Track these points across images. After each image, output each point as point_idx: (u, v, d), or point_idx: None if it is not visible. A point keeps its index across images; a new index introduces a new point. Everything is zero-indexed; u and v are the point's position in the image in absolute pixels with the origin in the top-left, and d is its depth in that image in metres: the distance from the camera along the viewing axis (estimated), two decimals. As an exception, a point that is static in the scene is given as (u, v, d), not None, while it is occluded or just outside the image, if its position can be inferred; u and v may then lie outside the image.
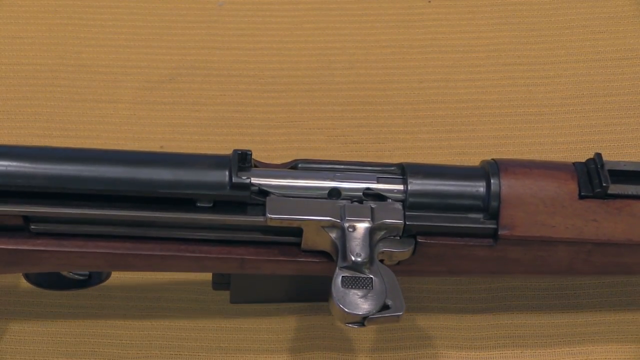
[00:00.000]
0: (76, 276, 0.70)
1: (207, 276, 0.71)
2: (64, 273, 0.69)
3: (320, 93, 0.90)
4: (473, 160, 0.83)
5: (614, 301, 0.76)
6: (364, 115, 0.89)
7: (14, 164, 0.60)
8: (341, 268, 0.59)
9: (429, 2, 0.97)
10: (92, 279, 0.70)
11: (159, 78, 0.91)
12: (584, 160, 0.65)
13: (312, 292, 0.72)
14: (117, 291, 0.76)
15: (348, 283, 0.59)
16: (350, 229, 0.61)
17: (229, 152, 0.63)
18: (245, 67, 0.92)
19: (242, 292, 0.71)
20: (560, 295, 0.76)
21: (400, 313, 0.58)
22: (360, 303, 0.58)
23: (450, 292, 0.76)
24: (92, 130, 0.86)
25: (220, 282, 0.70)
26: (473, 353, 0.73)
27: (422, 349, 0.73)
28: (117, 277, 0.74)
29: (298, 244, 0.63)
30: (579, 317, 0.75)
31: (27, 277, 0.69)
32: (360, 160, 0.83)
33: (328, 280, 0.60)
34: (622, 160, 0.65)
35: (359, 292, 0.58)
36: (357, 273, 0.59)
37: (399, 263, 0.63)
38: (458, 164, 0.83)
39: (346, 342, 0.74)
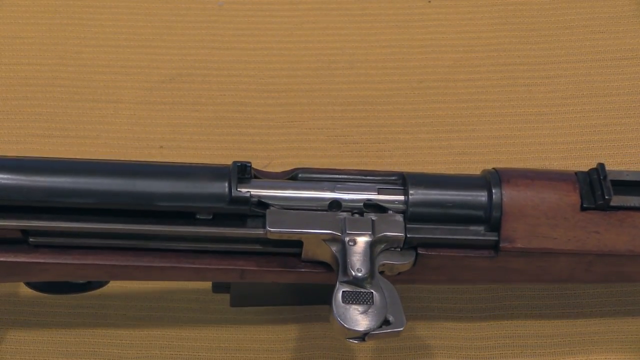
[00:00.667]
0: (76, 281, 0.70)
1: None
2: (65, 278, 0.69)
3: (320, 93, 0.90)
4: (473, 160, 0.84)
5: (614, 302, 0.76)
6: (364, 115, 0.89)
7: (12, 177, 0.59)
8: (342, 283, 0.59)
9: (429, 2, 0.97)
10: (92, 284, 0.70)
11: (159, 78, 0.91)
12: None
13: (312, 297, 0.72)
14: (118, 292, 0.76)
15: (349, 298, 0.58)
16: (350, 243, 0.60)
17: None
18: (245, 67, 0.92)
19: (242, 296, 0.71)
20: (560, 296, 0.76)
21: (401, 329, 0.58)
22: (361, 319, 0.58)
23: (450, 293, 0.76)
24: (92, 130, 0.86)
25: (220, 286, 0.70)
26: (473, 353, 0.73)
27: (422, 349, 0.73)
28: (117, 284, 0.74)
29: (298, 255, 0.63)
30: (580, 318, 0.75)
31: (27, 282, 0.69)
32: (360, 160, 0.84)
33: (327, 286, 0.60)
34: (625, 169, 0.65)
35: (360, 308, 0.58)
36: (357, 288, 0.59)
37: (399, 274, 0.63)
38: (458, 164, 0.83)
39: (345, 342, 0.74)
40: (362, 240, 0.60)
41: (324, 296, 0.61)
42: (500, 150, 0.86)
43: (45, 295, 0.73)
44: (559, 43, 0.94)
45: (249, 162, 0.61)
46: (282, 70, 0.92)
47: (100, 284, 0.70)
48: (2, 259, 0.62)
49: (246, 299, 0.72)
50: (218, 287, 0.70)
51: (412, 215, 0.62)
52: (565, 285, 0.76)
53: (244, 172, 0.61)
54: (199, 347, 0.73)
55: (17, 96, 0.89)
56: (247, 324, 0.75)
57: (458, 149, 0.86)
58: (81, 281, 0.69)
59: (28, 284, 0.69)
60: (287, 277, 0.64)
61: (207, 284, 0.71)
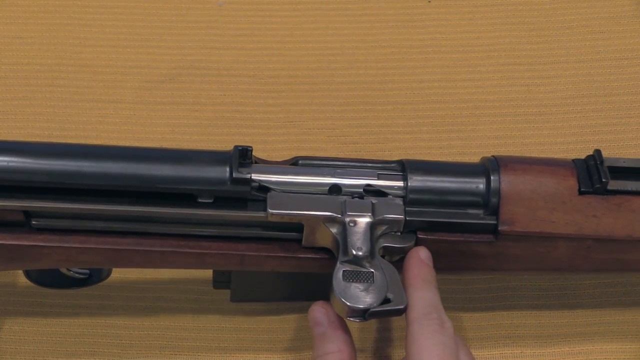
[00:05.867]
0: (76, 274, 0.70)
1: (208, 275, 0.71)
2: (64, 271, 0.69)
3: (320, 93, 0.90)
4: (473, 160, 0.83)
5: (614, 301, 0.76)
6: (364, 115, 0.89)
7: (15, 159, 0.60)
8: (342, 262, 0.60)
9: (429, 2, 0.97)
10: (92, 277, 0.71)
11: (159, 78, 0.91)
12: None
13: (313, 291, 0.71)
14: (117, 291, 0.76)
15: (349, 277, 0.59)
16: (351, 224, 0.61)
17: (230, 148, 0.63)
18: (245, 67, 0.92)
19: (242, 290, 0.71)
20: (560, 295, 0.76)
21: (402, 306, 0.59)
22: (362, 296, 0.58)
23: (449, 292, 0.76)
24: (92, 130, 0.86)
25: (221, 280, 0.70)
26: (473, 352, 0.73)
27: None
28: (117, 276, 0.74)
29: (299, 240, 0.63)
30: (579, 317, 0.75)
31: (28, 274, 0.69)
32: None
33: (328, 279, 0.60)
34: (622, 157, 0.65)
35: (360, 286, 0.59)
36: (358, 267, 0.59)
37: (400, 259, 0.63)
38: (458, 161, 0.83)
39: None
40: (362, 221, 0.61)
41: (324, 291, 0.61)
42: (500, 150, 0.86)
43: (44, 293, 0.73)
44: (559, 43, 0.94)
45: (250, 147, 0.61)
46: (282, 70, 0.92)
47: (100, 277, 0.71)
48: (3, 242, 0.62)
49: (246, 294, 0.72)
50: (219, 282, 0.70)
51: (411, 200, 0.63)
52: (564, 275, 0.76)
53: (244, 157, 0.61)
54: (199, 347, 0.73)
55: (17, 96, 0.89)
56: (247, 324, 0.75)
57: (458, 149, 0.86)
58: (82, 271, 0.70)
59: (28, 276, 0.69)
60: (288, 264, 0.64)
61: (208, 282, 0.71)
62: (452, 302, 0.76)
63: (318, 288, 0.67)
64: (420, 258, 0.62)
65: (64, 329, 0.74)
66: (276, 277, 0.70)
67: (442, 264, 0.64)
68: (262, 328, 0.74)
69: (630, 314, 0.76)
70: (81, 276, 0.70)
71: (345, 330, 0.63)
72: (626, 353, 0.73)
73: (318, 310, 0.63)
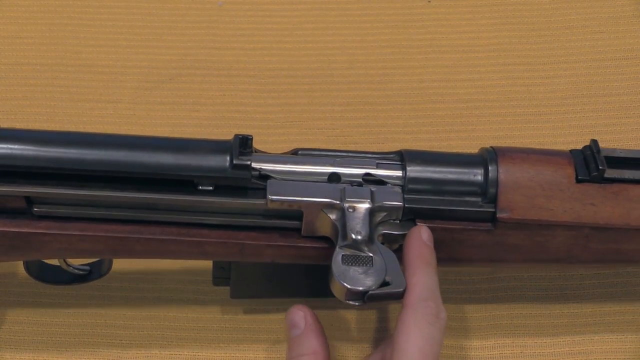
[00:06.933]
0: (77, 270, 0.70)
1: (207, 273, 0.71)
2: (65, 267, 0.69)
3: (320, 93, 0.90)
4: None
5: (615, 301, 0.76)
6: (364, 115, 0.89)
7: (18, 146, 0.60)
8: (341, 247, 0.60)
9: (429, 2, 0.97)
10: (92, 273, 0.71)
11: (159, 78, 0.91)
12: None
13: (312, 287, 0.72)
14: (117, 290, 0.76)
15: (348, 260, 0.59)
16: (350, 209, 0.61)
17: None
18: (245, 67, 0.92)
19: (242, 286, 0.71)
20: (560, 295, 0.76)
21: (401, 289, 0.59)
22: (361, 279, 0.58)
23: (450, 291, 0.76)
24: (92, 130, 0.86)
25: (221, 276, 0.70)
26: (473, 351, 0.73)
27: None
28: (117, 275, 0.74)
29: (299, 230, 0.63)
30: (579, 316, 0.75)
31: (29, 269, 0.70)
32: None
33: (327, 274, 0.60)
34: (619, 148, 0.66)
35: (359, 269, 0.59)
36: (357, 251, 0.60)
37: (399, 247, 0.63)
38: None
39: (344, 340, 0.74)
40: (361, 207, 0.61)
41: (323, 287, 0.61)
42: (500, 150, 0.86)
43: (44, 292, 0.73)
44: (559, 43, 0.94)
45: (251, 135, 0.62)
46: (282, 70, 0.92)
47: (100, 273, 0.71)
48: (5, 229, 0.62)
49: (246, 290, 0.72)
50: (218, 278, 0.70)
51: (410, 190, 0.63)
52: (564, 267, 0.75)
53: (245, 145, 0.62)
54: (199, 347, 0.73)
55: (17, 96, 0.89)
56: (246, 323, 0.75)
57: (458, 149, 0.85)
58: (82, 268, 0.70)
59: (29, 272, 0.69)
60: (287, 253, 0.64)
61: (207, 281, 0.71)
62: (452, 301, 0.76)
63: (317, 284, 0.67)
64: (421, 238, 0.62)
65: (64, 328, 0.74)
66: (275, 273, 0.70)
67: (442, 253, 0.64)
68: (262, 328, 0.74)
69: (630, 314, 0.76)
70: (81, 272, 0.70)
71: (321, 333, 0.63)
72: (626, 353, 0.73)
73: (296, 313, 0.64)
